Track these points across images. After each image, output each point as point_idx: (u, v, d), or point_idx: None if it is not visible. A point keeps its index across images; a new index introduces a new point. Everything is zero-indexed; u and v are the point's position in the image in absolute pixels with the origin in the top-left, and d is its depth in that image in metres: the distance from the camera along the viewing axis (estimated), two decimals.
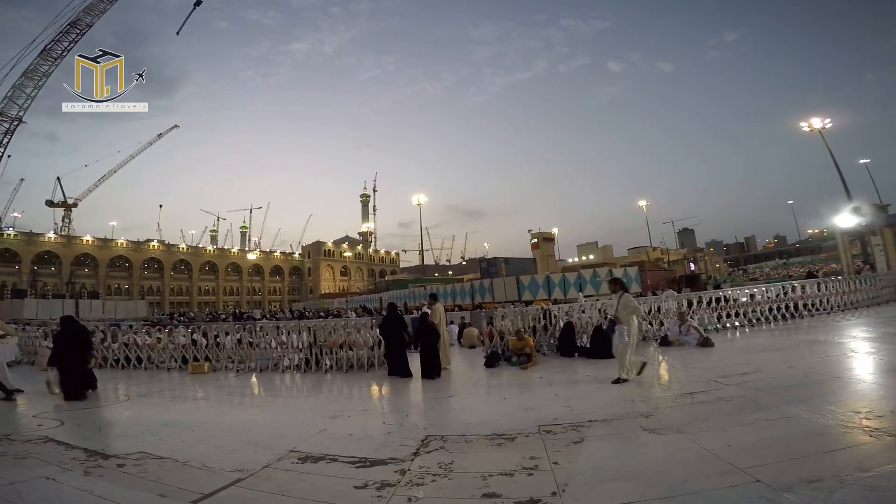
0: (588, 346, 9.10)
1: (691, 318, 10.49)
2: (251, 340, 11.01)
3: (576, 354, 9.08)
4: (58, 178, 74.10)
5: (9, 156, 44.99)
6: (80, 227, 75.32)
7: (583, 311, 10.55)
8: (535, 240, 64.30)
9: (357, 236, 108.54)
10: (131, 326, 13.80)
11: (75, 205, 75.17)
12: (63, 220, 73.24)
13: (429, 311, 9.33)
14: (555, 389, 6.52)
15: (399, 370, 8.32)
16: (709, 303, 11.60)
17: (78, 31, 46.99)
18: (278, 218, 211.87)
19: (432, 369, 8.01)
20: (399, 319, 8.97)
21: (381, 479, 3.48)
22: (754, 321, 11.63)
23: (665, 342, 9.74)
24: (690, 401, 5.21)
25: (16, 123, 45.06)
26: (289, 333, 10.96)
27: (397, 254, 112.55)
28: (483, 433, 4.46)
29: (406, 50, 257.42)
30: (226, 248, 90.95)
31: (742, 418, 4.30)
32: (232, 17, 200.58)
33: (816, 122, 27.34)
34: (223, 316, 39.31)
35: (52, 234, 69.07)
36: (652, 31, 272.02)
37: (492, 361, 8.75)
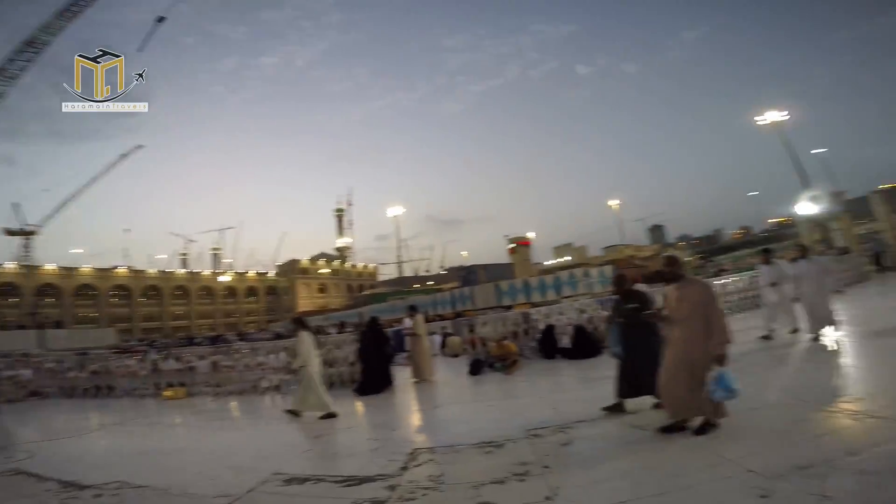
0: (569, 346, 9.11)
1: None
2: (227, 364, 10.66)
3: (558, 356, 9.08)
4: (15, 204, 70.08)
5: None
6: (43, 255, 71.47)
7: (561, 314, 10.55)
8: (512, 245, 64.83)
9: (333, 251, 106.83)
10: (102, 354, 13.19)
11: (35, 232, 71.29)
12: (23, 249, 69.29)
13: (411, 323, 9.20)
14: (539, 392, 6.49)
15: (381, 385, 8.15)
16: None
17: (34, 50, 46.09)
18: (251, 236, 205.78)
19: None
20: (380, 333, 8.85)
21: (371, 496, 3.36)
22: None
23: None
24: None
25: None
26: (266, 354, 10.64)
27: (375, 267, 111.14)
28: (471, 442, 4.34)
29: (379, 61, 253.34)
30: (197, 271, 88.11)
31: None
32: (199, 32, 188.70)
33: (774, 116, 28.70)
34: (198, 340, 37.99)
35: (11, 264, 65.33)
36: (616, 34, 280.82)
37: (475, 369, 8.64)
